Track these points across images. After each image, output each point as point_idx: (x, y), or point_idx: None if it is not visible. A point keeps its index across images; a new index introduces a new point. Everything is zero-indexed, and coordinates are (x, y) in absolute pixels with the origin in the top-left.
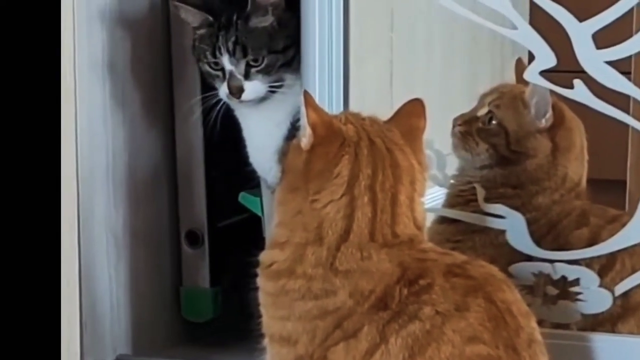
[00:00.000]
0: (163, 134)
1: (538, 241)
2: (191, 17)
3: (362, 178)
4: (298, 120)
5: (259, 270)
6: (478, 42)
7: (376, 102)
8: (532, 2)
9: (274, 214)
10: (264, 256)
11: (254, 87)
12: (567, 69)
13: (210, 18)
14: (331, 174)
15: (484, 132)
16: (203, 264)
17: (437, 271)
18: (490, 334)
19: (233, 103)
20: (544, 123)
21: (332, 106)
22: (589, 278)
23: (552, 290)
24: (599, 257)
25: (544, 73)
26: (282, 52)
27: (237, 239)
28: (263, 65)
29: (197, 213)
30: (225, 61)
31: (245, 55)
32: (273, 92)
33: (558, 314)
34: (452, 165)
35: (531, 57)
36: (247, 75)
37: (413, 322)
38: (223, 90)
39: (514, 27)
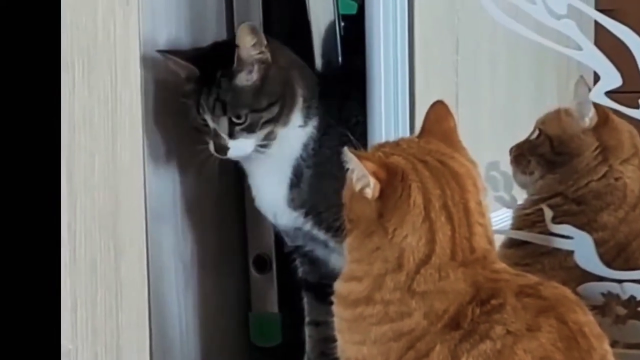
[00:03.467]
0: (229, 160)
1: (608, 264)
2: (180, 68)
3: (434, 200)
4: (298, 166)
5: (334, 299)
6: (543, 62)
7: None
8: (597, 23)
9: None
10: (340, 288)
11: (238, 146)
12: (632, 89)
13: (198, 72)
14: (408, 207)
15: (533, 147)
16: (271, 289)
17: (509, 291)
18: (562, 355)
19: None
20: (587, 123)
21: (398, 132)
22: None
23: (621, 310)
24: None
25: (610, 93)
26: (265, 109)
27: None
28: (246, 124)
29: (264, 238)
30: (208, 119)
31: (224, 113)
32: (263, 149)
33: (628, 334)
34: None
35: (596, 77)
36: (231, 134)
37: (484, 341)
38: (211, 147)
39: (579, 48)
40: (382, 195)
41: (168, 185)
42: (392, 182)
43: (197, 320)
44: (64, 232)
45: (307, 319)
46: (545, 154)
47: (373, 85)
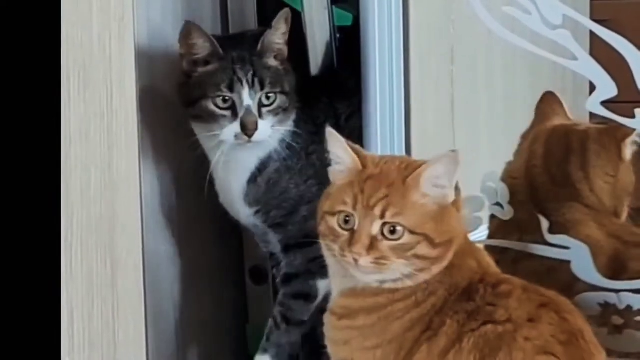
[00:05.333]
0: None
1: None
2: (201, 45)
3: None
4: (267, 159)
5: (335, 314)
6: (540, 72)
7: (438, 138)
8: (592, 32)
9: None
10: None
11: (265, 127)
12: (628, 99)
13: (221, 52)
14: None
15: None
16: (268, 301)
17: (517, 283)
18: (562, 348)
19: (240, 143)
20: None
21: (394, 144)
22: None
23: (618, 320)
24: None
25: (605, 103)
26: (288, 95)
27: None
28: (275, 105)
29: (260, 249)
30: (245, 94)
31: (262, 88)
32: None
33: (624, 343)
34: None
35: (592, 87)
36: (260, 114)
37: (487, 324)
38: (232, 130)
39: (575, 58)
40: None
41: (164, 197)
42: None
43: (195, 332)
44: (62, 245)
45: None
46: None
47: (369, 96)
